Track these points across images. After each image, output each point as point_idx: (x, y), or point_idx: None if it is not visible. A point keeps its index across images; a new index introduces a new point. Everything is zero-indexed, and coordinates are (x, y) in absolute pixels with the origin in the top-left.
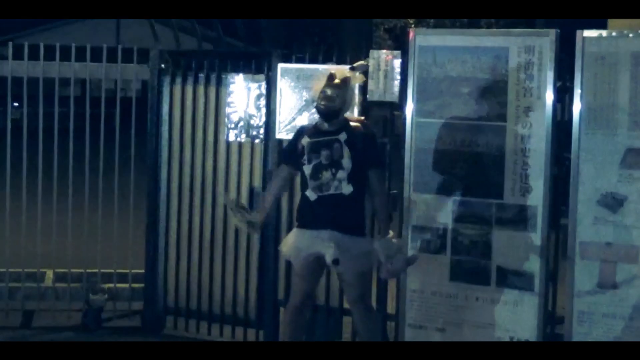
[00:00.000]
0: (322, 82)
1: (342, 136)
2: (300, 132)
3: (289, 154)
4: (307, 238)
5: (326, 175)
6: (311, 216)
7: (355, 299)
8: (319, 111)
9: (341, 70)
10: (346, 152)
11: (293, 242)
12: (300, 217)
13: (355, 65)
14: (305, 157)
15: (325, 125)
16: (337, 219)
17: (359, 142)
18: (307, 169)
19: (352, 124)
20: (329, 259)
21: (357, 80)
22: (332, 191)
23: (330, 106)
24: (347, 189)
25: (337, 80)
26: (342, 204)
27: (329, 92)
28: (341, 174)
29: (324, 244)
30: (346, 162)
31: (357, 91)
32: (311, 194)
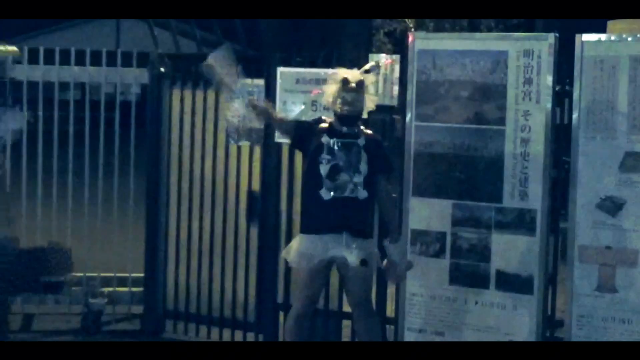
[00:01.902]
0: (334, 86)
1: (361, 141)
2: (318, 123)
3: (304, 129)
4: (320, 244)
5: (343, 177)
6: (323, 219)
7: (358, 301)
8: (340, 117)
9: (354, 73)
10: (364, 157)
11: (303, 249)
12: (309, 222)
13: (368, 67)
14: (323, 156)
15: (344, 129)
16: (350, 222)
17: (373, 148)
18: (324, 169)
19: (365, 130)
20: (355, 260)
21: (369, 81)
22: (347, 194)
23: (352, 111)
24: (362, 194)
25: (352, 85)
26: (355, 208)
27: (348, 97)
28: (358, 178)
29: (340, 247)
30: (363, 166)
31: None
32: (325, 194)
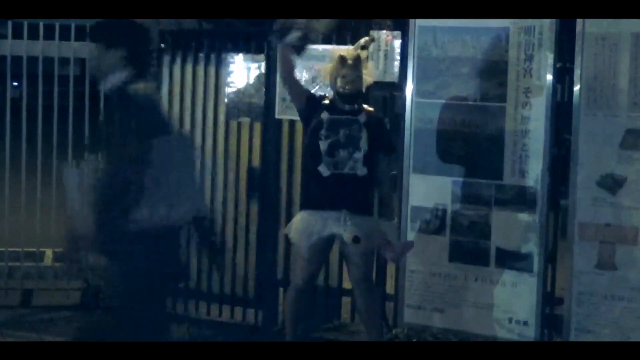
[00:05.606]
0: (331, 64)
1: (362, 118)
2: (319, 99)
3: (313, 101)
4: (319, 220)
5: (342, 153)
6: (322, 195)
7: (360, 278)
8: (342, 95)
9: (349, 50)
10: (364, 134)
11: (303, 227)
12: (308, 198)
13: (363, 43)
14: (322, 132)
15: (345, 106)
16: (349, 199)
17: (374, 125)
18: (323, 145)
19: (366, 107)
20: (348, 237)
21: (364, 56)
22: (346, 170)
23: (354, 88)
24: (362, 170)
25: (350, 62)
26: (354, 185)
27: (349, 75)
28: (357, 155)
29: (338, 224)
30: (363, 143)
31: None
32: (324, 170)
